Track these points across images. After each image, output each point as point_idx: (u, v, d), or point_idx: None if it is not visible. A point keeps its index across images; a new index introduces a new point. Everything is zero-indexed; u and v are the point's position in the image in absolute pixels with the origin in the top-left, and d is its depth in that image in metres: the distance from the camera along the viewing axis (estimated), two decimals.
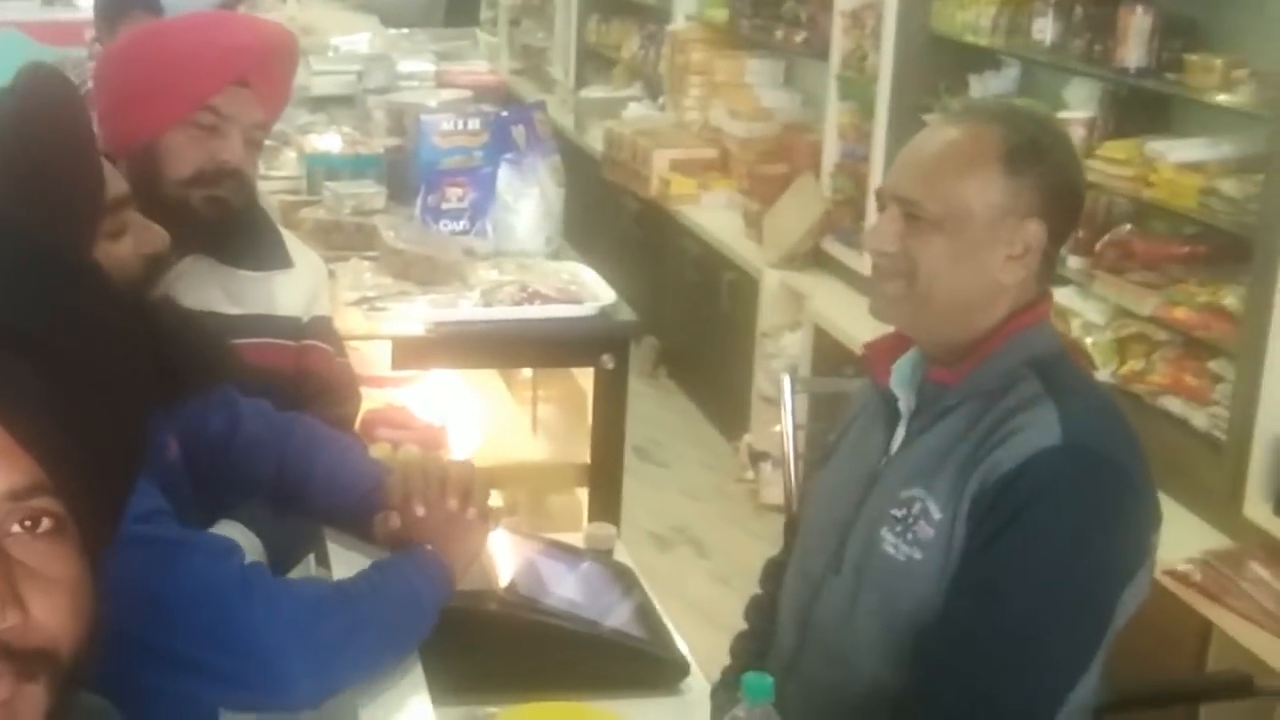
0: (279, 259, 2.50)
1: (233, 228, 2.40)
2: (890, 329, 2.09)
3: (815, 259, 5.49)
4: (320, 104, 4.32)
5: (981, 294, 1.94)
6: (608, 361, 2.98)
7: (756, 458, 5.37)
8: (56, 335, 0.93)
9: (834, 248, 5.44)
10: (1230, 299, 3.53)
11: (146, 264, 1.83)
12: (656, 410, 6.12)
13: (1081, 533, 1.83)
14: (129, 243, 1.81)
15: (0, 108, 1.72)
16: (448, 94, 3.71)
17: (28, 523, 0.91)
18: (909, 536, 1.91)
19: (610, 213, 6.81)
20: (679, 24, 7.03)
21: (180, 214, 2.26)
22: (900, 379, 2.03)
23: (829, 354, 5.00)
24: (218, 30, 2.44)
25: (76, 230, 1.67)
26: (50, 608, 0.91)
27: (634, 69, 7.79)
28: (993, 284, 1.93)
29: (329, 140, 3.63)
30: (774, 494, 5.18)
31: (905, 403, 2.02)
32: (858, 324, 4.97)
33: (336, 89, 4.24)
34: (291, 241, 2.59)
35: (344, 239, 3.20)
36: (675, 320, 6.26)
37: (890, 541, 1.93)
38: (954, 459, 1.90)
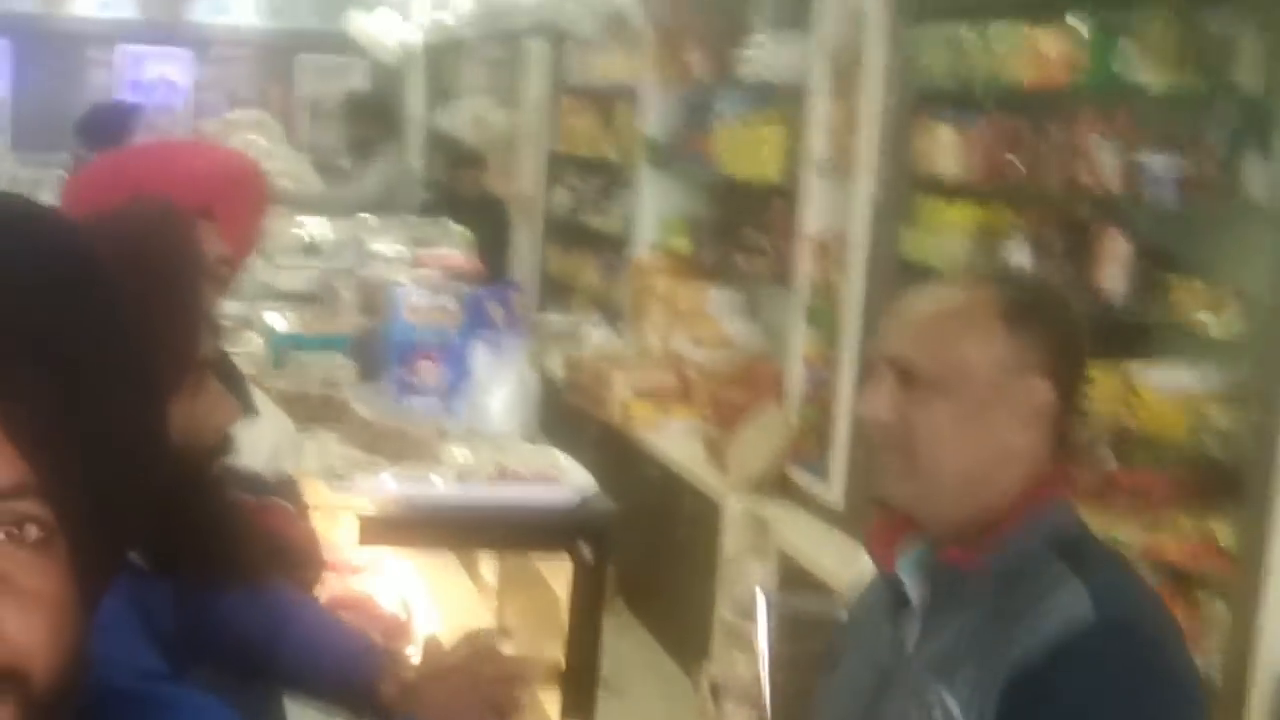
0: (244, 406, 2.33)
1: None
2: (889, 512, 1.92)
3: (781, 487, 5.40)
4: (286, 298, 4.20)
5: (990, 462, 1.79)
6: (585, 550, 2.81)
7: (718, 693, 5.15)
8: (65, 332, 0.87)
9: (800, 476, 5.34)
10: (1220, 531, 3.42)
11: (218, 439, 1.69)
12: (613, 639, 5.86)
13: (1125, 709, 1.67)
14: (202, 408, 1.66)
15: (118, 226, 1.60)
16: (421, 273, 3.61)
17: (14, 530, 0.85)
18: None
19: (570, 437, 6.67)
20: (641, 252, 7.04)
21: None
22: (908, 564, 1.87)
23: (796, 583, 4.86)
24: (180, 158, 2.33)
25: (167, 369, 1.53)
26: (26, 624, 0.85)
27: (594, 297, 7.79)
28: (1001, 450, 1.79)
29: (294, 320, 3.51)
30: None
31: (915, 591, 1.85)
32: (825, 553, 4.85)
33: (303, 285, 4.13)
34: (258, 395, 2.43)
35: (309, 410, 3.05)
36: (634, 547, 6.09)
37: None
38: (976, 652, 1.74)
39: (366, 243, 3.92)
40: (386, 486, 2.72)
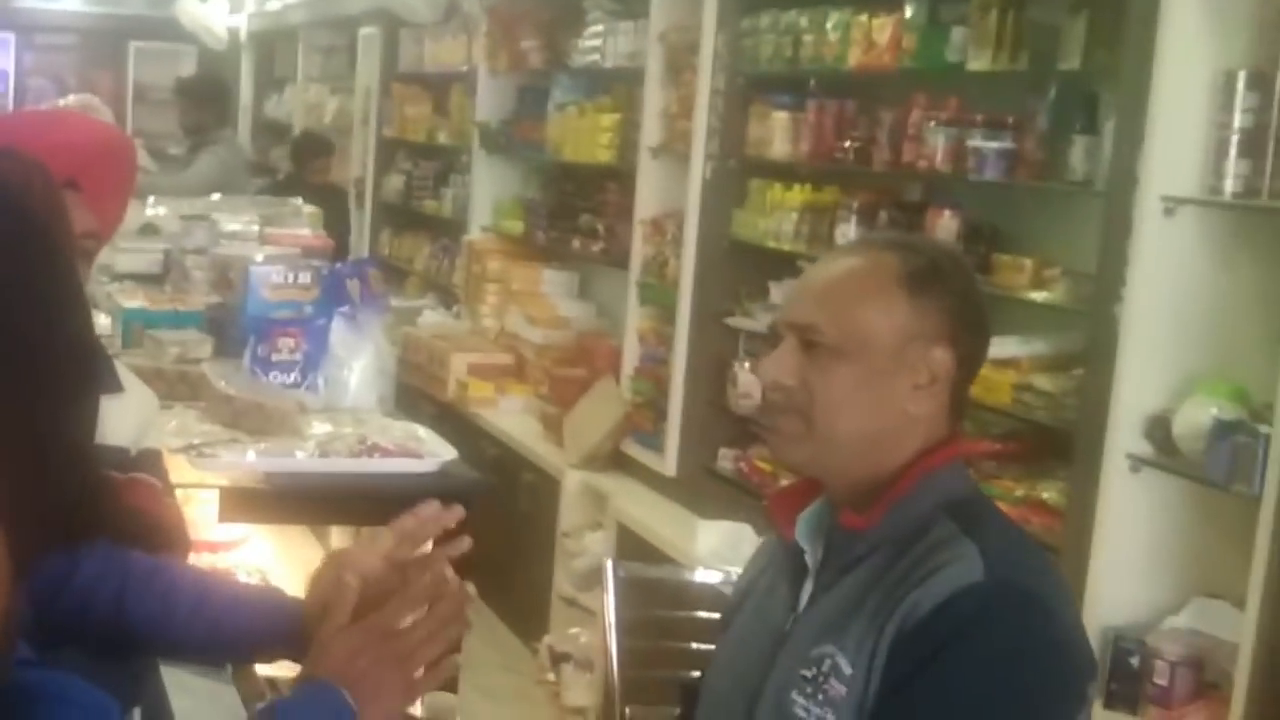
0: (109, 383, 2.32)
1: None
2: (792, 480, 1.99)
3: (616, 460, 5.51)
4: (127, 280, 4.15)
5: (888, 428, 1.81)
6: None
7: (558, 659, 5.24)
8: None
9: (635, 449, 5.46)
10: (1049, 493, 3.58)
11: None
12: None
13: (1008, 673, 1.68)
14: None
15: None
16: (275, 250, 3.61)
17: None
18: (819, 697, 1.75)
19: (407, 416, 6.69)
20: (475, 235, 7.07)
21: None
22: (806, 530, 1.90)
23: (634, 552, 4.96)
24: (43, 128, 2.28)
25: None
26: None
27: (427, 279, 7.80)
28: (900, 416, 1.81)
29: (143, 297, 3.48)
30: (577, 696, 5.06)
31: (812, 555, 1.88)
32: (662, 522, 4.97)
33: (145, 266, 4.08)
34: (122, 370, 2.41)
35: (166, 387, 3.02)
36: (471, 524, 6.13)
37: (801, 705, 1.77)
38: (866, 609, 1.75)
39: (218, 222, 3.89)
40: (249, 462, 2.74)
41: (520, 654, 5.58)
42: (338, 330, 3.11)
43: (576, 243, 6.25)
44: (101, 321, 3.62)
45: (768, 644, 1.88)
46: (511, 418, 6.13)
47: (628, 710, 3.33)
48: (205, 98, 7.38)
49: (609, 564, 3.46)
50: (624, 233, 5.68)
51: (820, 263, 1.96)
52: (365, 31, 8.87)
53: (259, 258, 3.33)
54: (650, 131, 5.44)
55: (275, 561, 3.21)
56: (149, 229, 4.32)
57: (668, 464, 5.23)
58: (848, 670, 1.73)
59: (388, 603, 1.69)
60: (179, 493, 2.89)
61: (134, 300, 3.43)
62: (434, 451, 2.90)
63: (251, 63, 11.53)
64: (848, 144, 4.52)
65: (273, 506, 2.79)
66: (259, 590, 1.92)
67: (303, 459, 2.78)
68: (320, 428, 2.90)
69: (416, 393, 6.60)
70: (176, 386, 3.03)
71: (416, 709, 2.41)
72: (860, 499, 1.82)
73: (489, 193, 7.16)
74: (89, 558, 1.87)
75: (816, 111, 4.68)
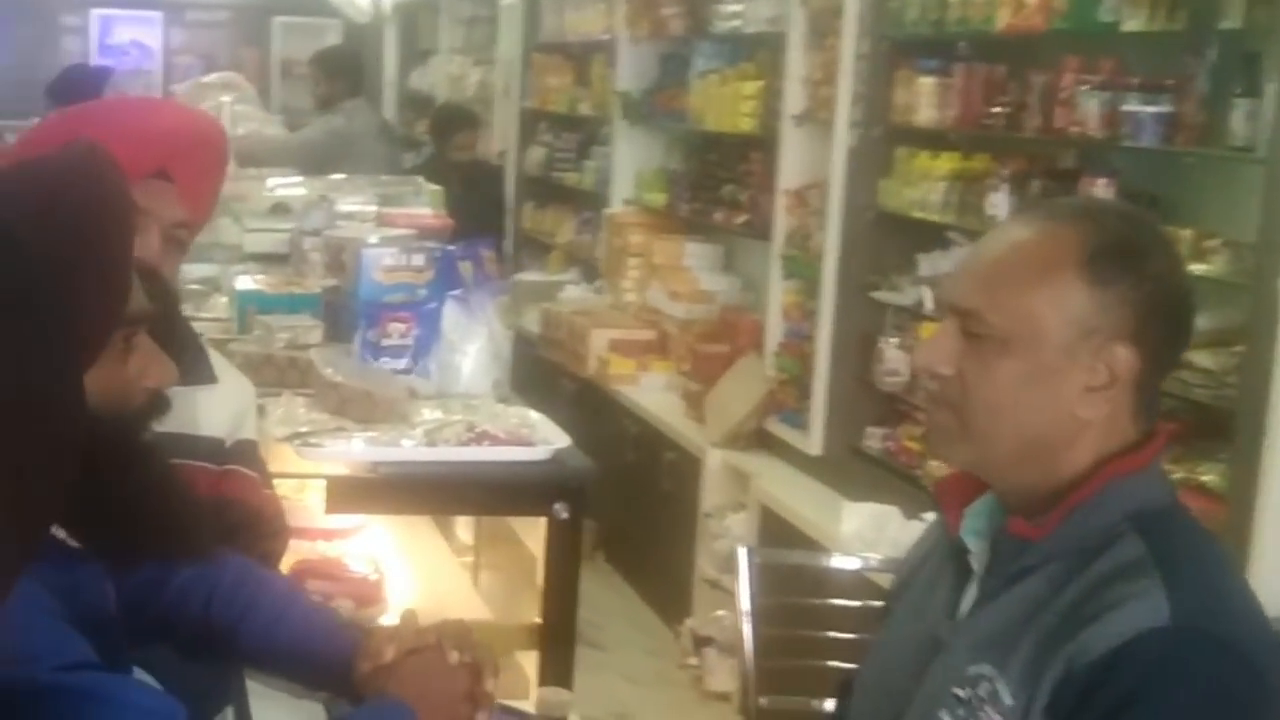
0: (202, 374, 2.26)
1: (151, 337, 2.16)
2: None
3: (759, 439, 5.37)
4: (256, 260, 4.11)
5: (1055, 432, 1.58)
6: (561, 510, 2.74)
7: (700, 643, 5.15)
8: None
9: (779, 428, 5.32)
10: (1210, 476, 3.38)
11: (147, 399, 1.59)
12: (595, 592, 5.91)
13: None
14: (133, 369, 1.58)
15: (35, 174, 1.50)
16: (390, 232, 3.53)
17: None
18: None
19: (547, 394, 6.64)
20: (616, 207, 6.97)
21: None
22: (974, 527, 1.68)
23: (777, 534, 4.83)
24: (136, 117, 2.22)
25: (86, 331, 1.44)
26: None
27: (570, 254, 7.72)
28: (1068, 420, 1.57)
29: (263, 282, 3.42)
30: (719, 681, 4.96)
31: (978, 557, 1.67)
32: (805, 504, 4.83)
33: (273, 246, 4.03)
34: (218, 359, 2.35)
35: (276, 374, 2.96)
36: (614, 502, 6.08)
37: None
38: (1033, 632, 1.54)
39: (335, 202, 3.82)
40: (355, 451, 2.65)
41: (663, 637, 5.49)
42: (450, 314, 3.01)
43: (719, 214, 6.12)
44: (220, 305, 3.58)
45: (922, 649, 1.69)
46: (653, 395, 6.02)
47: (763, 700, 3.23)
48: (337, 69, 7.34)
49: (742, 551, 3.36)
50: (767, 204, 5.55)
51: (989, 235, 1.71)
52: (507, 1, 8.79)
53: (373, 239, 3.24)
54: (793, 99, 5.28)
55: (394, 551, 3.13)
56: (280, 208, 4.27)
57: (812, 443, 5.08)
58: (1008, 700, 1.54)
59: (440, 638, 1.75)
60: (290, 482, 2.85)
61: (250, 283, 3.37)
62: (546, 438, 2.78)
63: (395, 35, 11.52)
64: (997, 109, 4.35)
65: (379, 496, 2.70)
66: (328, 617, 1.86)
67: (410, 448, 2.68)
68: (430, 415, 2.80)
69: (556, 369, 6.53)
70: (287, 373, 2.95)
71: (528, 704, 2.32)
72: (1032, 504, 1.61)
73: (630, 164, 7.04)
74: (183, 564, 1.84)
75: (964, 76, 4.51)
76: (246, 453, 2.31)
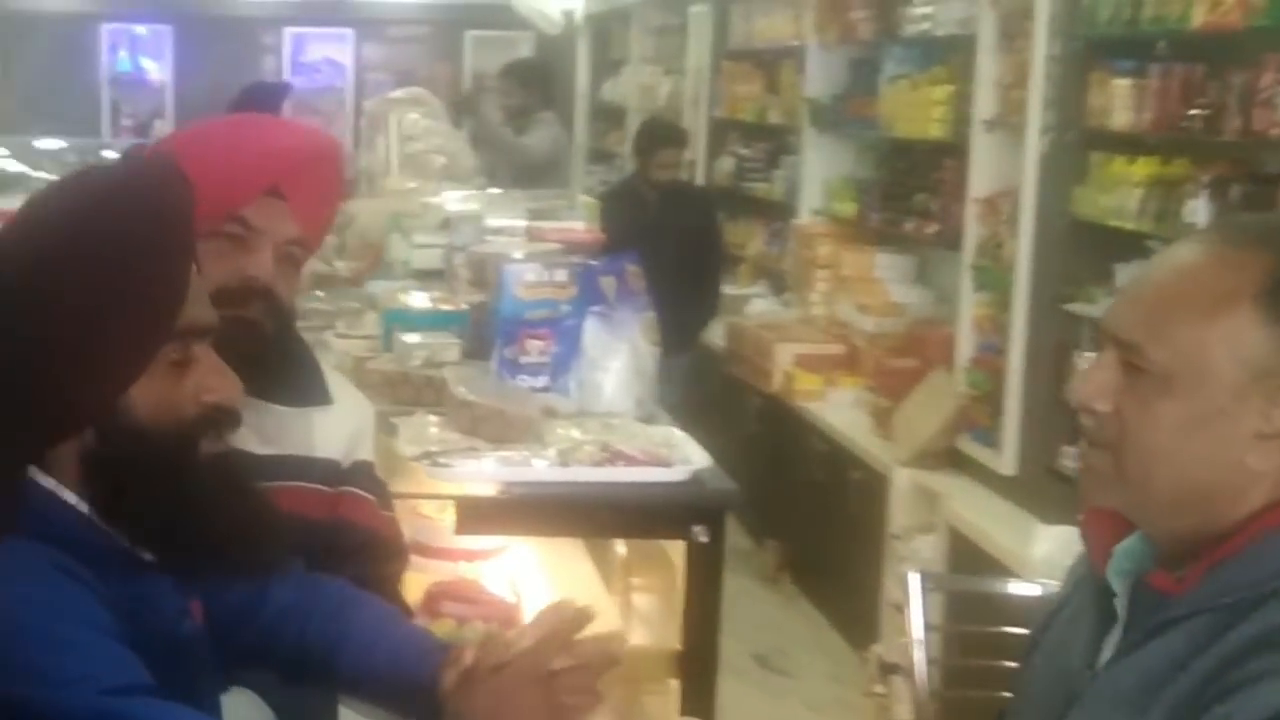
0: (317, 394, 2.20)
1: (265, 356, 2.10)
2: None
3: (950, 458, 5.18)
4: (422, 277, 4.09)
5: (1220, 482, 1.42)
6: (700, 534, 2.62)
7: (887, 670, 4.96)
8: None
9: (970, 446, 5.11)
10: None
11: (204, 413, 1.53)
12: (779, 616, 5.81)
13: None
14: (191, 383, 1.52)
15: (98, 183, 1.51)
16: (536, 247, 3.45)
17: None
18: None
19: (732, 410, 6.56)
20: (805, 218, 6.82)
21: None
22: (1122, 568, 1.54)
23: (967, 558, 4.65)
24: (250, 134, 2.19)
25: (132, 339, 1.44)
26: None
27: (759, 266, 7.60)
28: (1235, 469, 1.41)
29: (414, 299, 3.39)
30: (907, 711, 4.76)
31: (1122, 602, 1.53)
32: (997, 527, 4.63)
33: (437, 262, 4.01)
34: (335, 378, 2.29)
35: (412, 393, 2.90)
36: (799, 522, 5.95)
37: None
38: (1168, 696, 1.40)
39: (483, 217, 3.77)
40: (484, 470, 2.57)
41: (849, 663, 5.32)
42: (592, 330, 2.91)
43: (910, 224, 5.94)
44: (370, 323, 3.54)
45: (1059, 700, 1.56)
46: (840, 411, 5.86)
47: None
48: (529, 80, 7.34)
49: (913, 576, 3.21)
50: (958, 213, 5.36)
51: (1157, 258, 1.53)
52: (696, 9, 8.71)
53: (517, 255, 3.16)
54: (983, 103, 5.10)
55: (537, 572, 3.05)
56: (447, 223, 4.24)
57: (1005, 462, 4.86)
58: None
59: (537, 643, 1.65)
60: (431, 504, 2.79)
61: (398, 301, 3.33)
62: (686, 458, 2.67)
63: (587, 46, 11.53)
64: (1195, 111, 4.11)
65: (510, 517, 2.61)
66: (424, 640, 1.80)
67: (541, 468, 2.59)
68: (566, 433, 2.71)
69: (741, 385, 6.42)
70: (423, 392, 2.89)
71: None
72: (1178, 554, 1.47)
73: (820, 173, 6.90)
74: (280, 586, 1.80)
75: (1161, 76, 4.27)
76: (363, 474, 2.24)
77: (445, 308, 3.30)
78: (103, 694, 1.35)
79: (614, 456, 2.63)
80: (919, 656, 3.12)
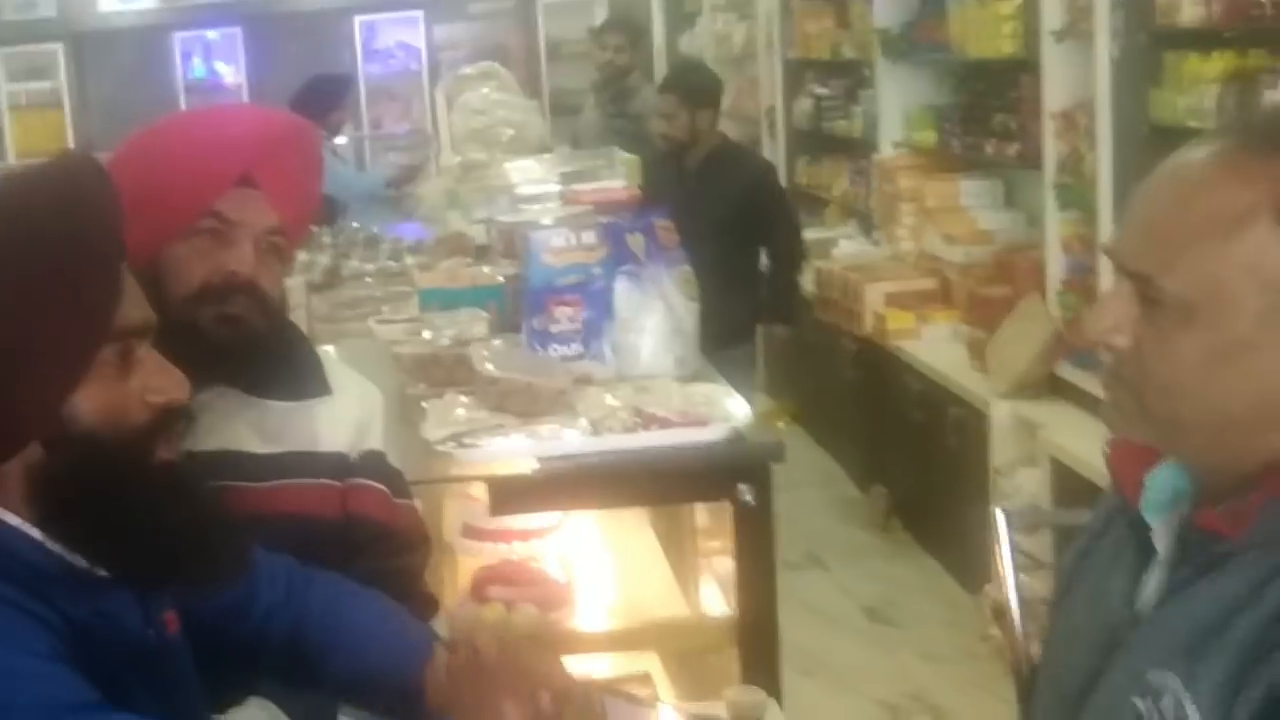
0: (316, 386, 2.12)
1: (258, 352, 2.03)
2: None
3: (1050, 386, 4.99)
4: (480, 253, 4.00)
5: (1254, 413, 1.28)
6: (745, 494, 2.50)
7: (999, 612, 4.80)
8: None
9: (1069, 372, 4.90)
10: None
11: (153, 416, 1.46)
12: (887, 565, 5.65)
13: None
14: (136, 385, 1.45)
15: (14, 186, 1.47)
16: (566, 211, 3.34)
17: None
18: None
19: (826, 357, 6.40)
20: (886, 152, 6.63)
21: (192, 338, 1.90)
22: (1156, 502, 1.39)
23: (1071, 489, 4.46)
24: (214, 124, 2.11)
25: (66, 343, 1.39)
26: None
27: (846, 206, 7.41)
28: (1270, 399, 1.28)
29: (445, 276, 3.30)
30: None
31: (1161, 537, 1.39)
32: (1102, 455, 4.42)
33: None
34: (339, 368, 2.21)
35: (444, 373, 2.80)
36: (903, 465, 5.78)
37: None
38: (1230, 639, 1.26)
39: (515, 186, 3.66)
40: (513, 447, 2.47)
41: (964, 607, 5.15)
42: (622, 291, 2.79)
43: (991, 147, 5.71)
44: (414, 305, 3.46)
45: (1097, 648, 1.42)
46: (936, 348, 5.66)
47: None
48: (634, 35, 7.11)
49: (1000, 515, 3.07)
50: (1038, 131, 5.14)
51: (1158, 172, 1.36)
52: None
53: (546, 221, 3.05)
54: (1051, 13, 4.89)
55: (599, 546, 2.95)
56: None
57: None
58: (1192, 716, 1.26)
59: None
60: (477, 486, 2.71)
61: (434, 279, 3.24)
62: (726, 414, 2.54)
63: (661, 1, 11.35)
64: None
65: (545, 494, 2.51)
66: (419, 637, 1.76)
67: (573, 439, 2.49)
68: (599, 401, 2.60)
69: (834, 331, 6.26)
70: (455, 371, 2.78)
71: (720, 709, 2.14)
72: (1224, 487, 1.32)
73: (897, 105, 6.67)
74: (269, 587, 1.77)
75: None
76: (373, 464, 2.16)
77: (482, 283, 3.20)
78: (53, 713, 1.31)
79: (647, 420, 2.52)
80: (1012, 596, 3.00)
